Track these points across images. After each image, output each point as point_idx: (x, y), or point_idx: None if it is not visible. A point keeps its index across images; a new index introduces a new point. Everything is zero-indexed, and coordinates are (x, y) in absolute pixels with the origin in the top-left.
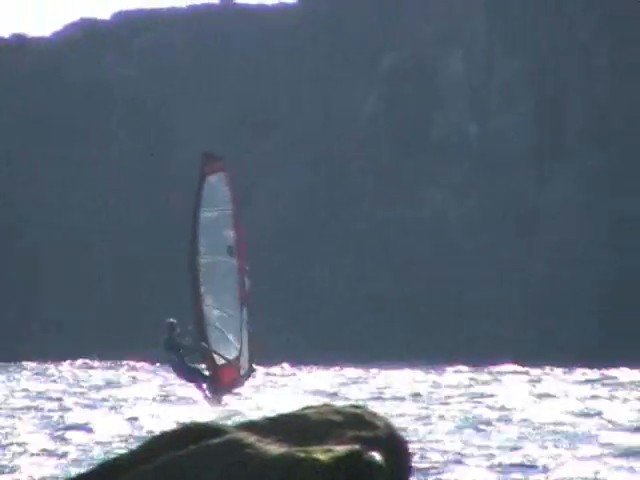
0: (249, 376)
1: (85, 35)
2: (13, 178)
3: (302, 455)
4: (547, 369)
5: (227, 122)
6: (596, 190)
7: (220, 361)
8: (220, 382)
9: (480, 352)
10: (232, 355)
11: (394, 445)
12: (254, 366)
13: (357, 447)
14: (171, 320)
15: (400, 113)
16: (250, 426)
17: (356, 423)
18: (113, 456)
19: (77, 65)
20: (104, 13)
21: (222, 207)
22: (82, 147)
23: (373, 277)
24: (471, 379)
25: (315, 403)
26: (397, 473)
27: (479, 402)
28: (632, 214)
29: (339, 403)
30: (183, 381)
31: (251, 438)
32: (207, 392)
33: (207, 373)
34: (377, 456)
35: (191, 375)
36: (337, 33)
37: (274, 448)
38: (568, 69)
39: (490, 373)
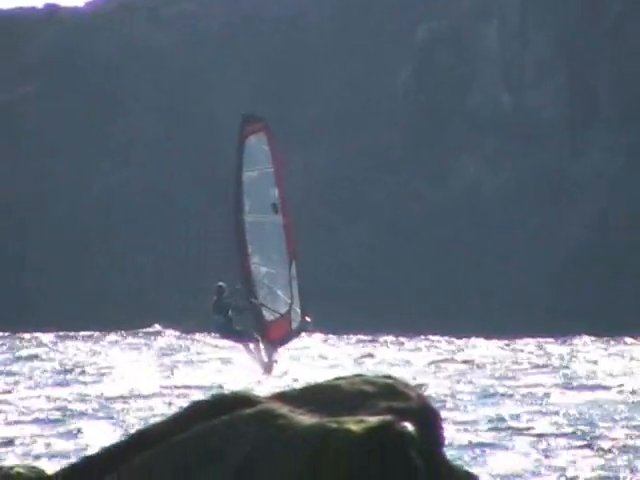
0: (302, 330)
1: (118, 4)
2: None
3: (334, 425)
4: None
5: (259, 92)
6: (629, 161)
7: (270, 317)
8: (271, 337)
9: (516, 322)
10: (283, 310)
11: (426, 416)
12: (307, 318)
13: (389, 418)
14: (220, 283)
15: (434, 84)
16: (282, 396)
17: (388, 394)
18: (147, 426)
19: (109, 35)
20: None
21: (263, 166)
22: (109, 118)
23: (407, 250)
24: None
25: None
26: (429, 444)
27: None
28: None
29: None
30: (230, 342)
31: (284, 408)
32: (255, 351)
33: (256, 334)
34: (409, 427)
35: (238, 336)
36: (372, 3)
37: (306, 418)
38: (600, 41)
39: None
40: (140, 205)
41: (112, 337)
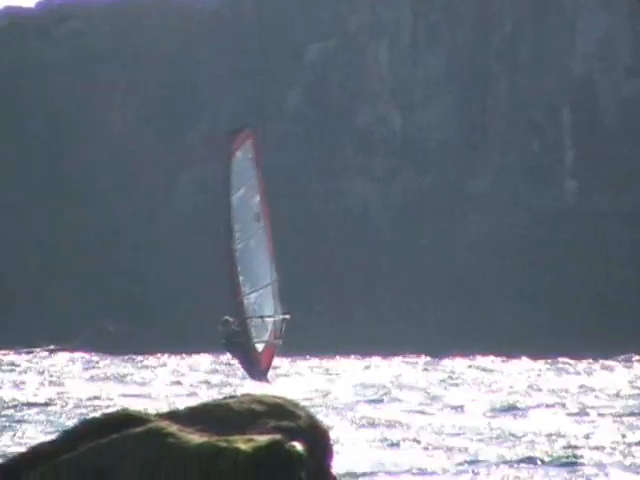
0: (282, 328)
1: (10, 23)
2: None
3: (224, 444)
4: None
5: (149, 111)
6: (519, 181)
7: (260, 347)
8: (263, 367)
9: (408, 341)
10: (268, 336)
11: (315, 435)
12: (287, 316)
13: (278, 437)
14: (226, 318)
15: (324, 104)
16: (172, 415)
17: (278, 413)
18: (35, 444)
19: (1, 53)
20: (29, 1)
21: (249, 177)
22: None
23: (298, 269)
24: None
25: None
26: (318, 462)
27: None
28: (551, 205)
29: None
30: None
31: (173, 427)
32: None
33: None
34: (298, 446)
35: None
36: (262, 24)
37: (196, 437)
38: (490, 61)
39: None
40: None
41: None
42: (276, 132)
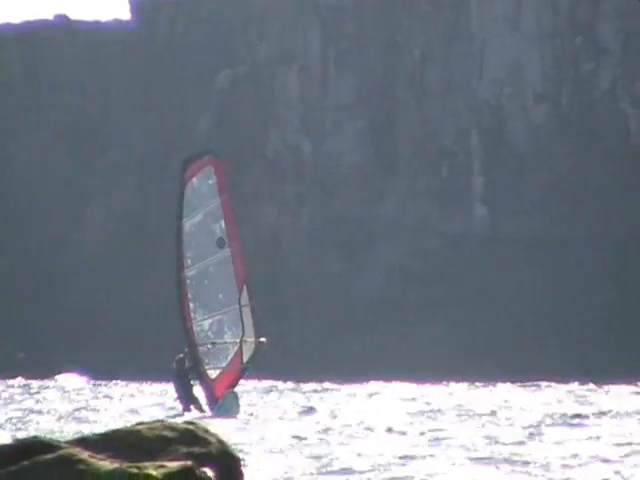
0: (258, 353)
1: None
2: None
3: (134, 471)
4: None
5: (58, 139)
6: (429, 207)
7: (214, 374)
8: (217, 394)
9: (306, 370)
10: (224, 362)
11: (226, 461)
12: (262, 339)
13: (189, 463)
14: (181, 356)
15: (234, 130)
16: (83, 441)
17: (189, 439)
18: None
19: None
20: None
21: (208, 203)
22: None
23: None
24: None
25: None
26: None
27: None
28: (461, 230)
29: None
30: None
31: (84, 454)
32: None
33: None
34: (208, 472)
35: (194, 403)
36: (173, 51)
37: (107, 464)
38: (400, 87)
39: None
40: None
41: None
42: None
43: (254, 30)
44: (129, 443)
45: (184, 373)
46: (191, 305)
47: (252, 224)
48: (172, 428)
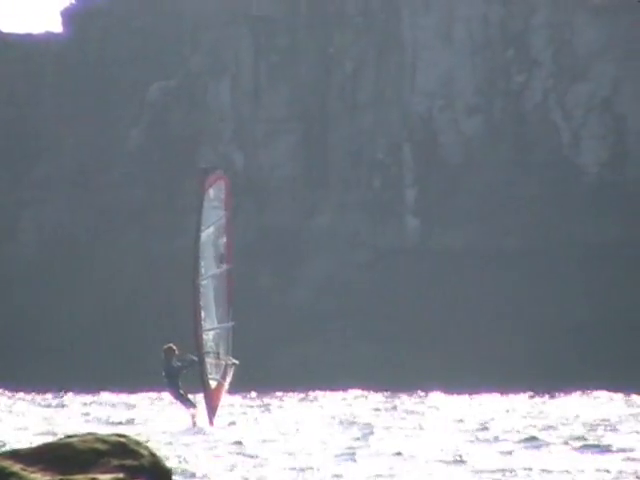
0: (228, 371)
1: None
2: None
3: None
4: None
5: None
6: (364, 219)
7: (214, 384)
8: (214, 404)
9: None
10: (221, 374)
11: (158, 473)
12: (235, 361)
13: (121, 475)
14: (170, 345)
15: (167, 142)
16: (15, 454)
17: (121, 452)
18: None
19: None
20: None
21: (219, 217)
22: None
23: (127, 309)
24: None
25: None
26: None
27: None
28: (393, 242)
29: None
30: (177, 402)
31: (15, 467)
32: (193, 414)
33: (196, 400)
34: None
35: (182, 400)
36: (105, 63)
37: (39, 477)
38: (332, 99)
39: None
40: None
41: None
42: (118, 171)
43: (186, 42)
44: (61, 456)
45: (175, 370)
46: (202, 313)
47: (184, 236)
48: (104, 441)
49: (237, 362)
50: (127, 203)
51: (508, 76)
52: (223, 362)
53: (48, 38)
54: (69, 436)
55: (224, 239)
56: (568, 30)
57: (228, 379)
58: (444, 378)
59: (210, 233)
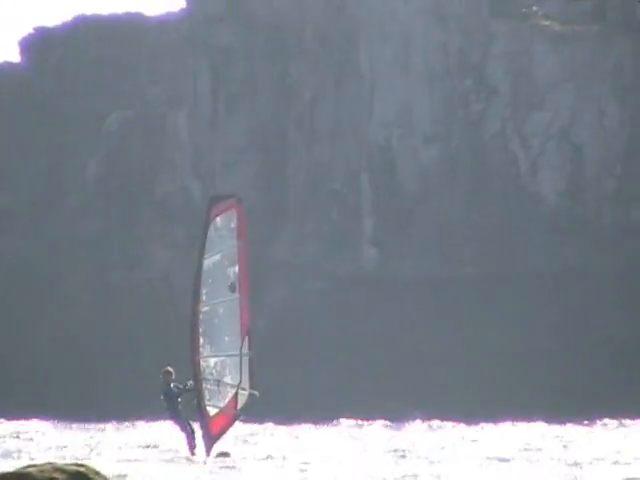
0: (249, 404)
1: None
2: None
3: None
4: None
5: None
6: (317, 248)
7: (213, 411)
8: (213, 432)
9: None
10: (223, 403)
11: None
12: (255, 392)
13: None
14: (168, 368)
15: (124, 173)
16: None
17: None
18: None
19: None
20: None
21: (228, 245)
22: None
23: (100, 337)
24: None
25: None
26: None
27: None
28: (351, 271)
29: None
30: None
31: None
32: (189, 439)
33: (196, 427)
34: None
35: (180, 422)
36: (62, 93)
37: None
38: (291, 128)
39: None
40: None
41: None
42: (76, 201)
43: (144, 72)
44: None
45: (174, 394)
46: (201, 340)
47: (143, 266)
48: (62, 470)
49: (256, 393)
50: (85, 233)
51: (466, 105)
52: (232, 391)
53: (6, 68)
54: (28, 466)
55: (236, 268)
56: (526, 59)
57: (239, 406)
58: (399, 407)
59: (216, 261)
